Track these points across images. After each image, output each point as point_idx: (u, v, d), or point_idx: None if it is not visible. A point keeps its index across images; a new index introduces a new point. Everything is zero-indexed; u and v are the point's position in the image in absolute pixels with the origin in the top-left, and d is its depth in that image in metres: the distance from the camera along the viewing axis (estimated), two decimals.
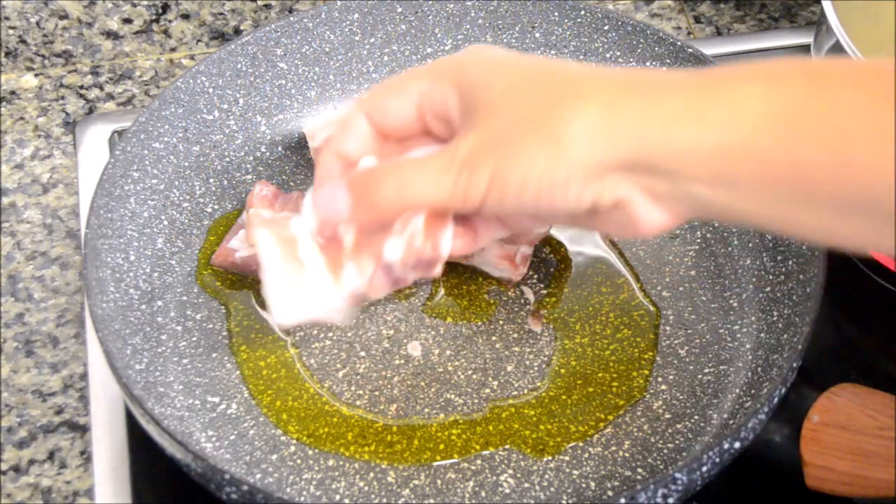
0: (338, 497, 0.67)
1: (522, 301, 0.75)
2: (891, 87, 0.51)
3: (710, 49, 0.82)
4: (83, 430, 0.74)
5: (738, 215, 0.56)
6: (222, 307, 0.74)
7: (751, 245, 0.75)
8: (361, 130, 0.63)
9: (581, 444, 0.69)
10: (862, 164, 0.51)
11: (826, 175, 0.52)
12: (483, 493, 0.67)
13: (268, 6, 0.93)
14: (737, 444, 0.63)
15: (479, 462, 0.68)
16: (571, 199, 0.57)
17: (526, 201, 0.57)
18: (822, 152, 0.52)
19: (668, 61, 0.80)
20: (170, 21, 0.93)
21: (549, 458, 0.68)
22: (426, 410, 0.70)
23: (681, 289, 0.75)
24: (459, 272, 0.75)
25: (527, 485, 0.67)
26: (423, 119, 0.62)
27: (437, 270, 0.63)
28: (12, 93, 0.91)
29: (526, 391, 0.71)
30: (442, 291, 0.75)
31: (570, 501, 0.66)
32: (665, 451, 0.68)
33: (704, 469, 0.62)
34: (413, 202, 0.60)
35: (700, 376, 0.71)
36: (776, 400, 0.64)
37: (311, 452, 0.68)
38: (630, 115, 0.55)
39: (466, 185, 0.58)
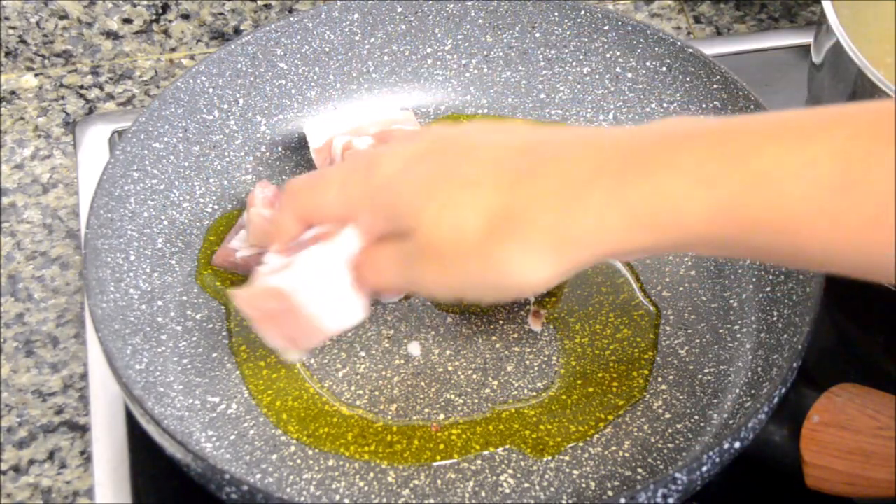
0: (338, 497, 0.67)
1: (522, 301, 0.75)
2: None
3: (710, 49, 0.82)
4: (83, 430, 0.74)
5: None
6: (222, 307, 0.74)
7: None
8: (293, 232, 0.64)
9: (581, 444, 0.69)
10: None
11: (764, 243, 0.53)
12: (483, 493, 0.67)
13: (268, 6, 0.93)
14: (737, 444, 0.63)
15: (479, 462, 0.68)
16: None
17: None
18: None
19: (668, 61, 0.80)
20: (170, 21, 0.93)
21: (549, 458, 0.68)
22: (426, 410, 0.70)
23: (681, 289, 0.75)
24: None
25: (527, 485, 0.67)
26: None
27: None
28: (12, 93, 0.91)
29: (526, 391, 0.71)
30: None
31: (570, 501, 0.66)
32: (665, 451, 0.68)
33: (704, 469, 0.62)
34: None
35: (700, 376, 0.71)
36: (776, 400, 0.64)
37: (311, 452, 0.68)
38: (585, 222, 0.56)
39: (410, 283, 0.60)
